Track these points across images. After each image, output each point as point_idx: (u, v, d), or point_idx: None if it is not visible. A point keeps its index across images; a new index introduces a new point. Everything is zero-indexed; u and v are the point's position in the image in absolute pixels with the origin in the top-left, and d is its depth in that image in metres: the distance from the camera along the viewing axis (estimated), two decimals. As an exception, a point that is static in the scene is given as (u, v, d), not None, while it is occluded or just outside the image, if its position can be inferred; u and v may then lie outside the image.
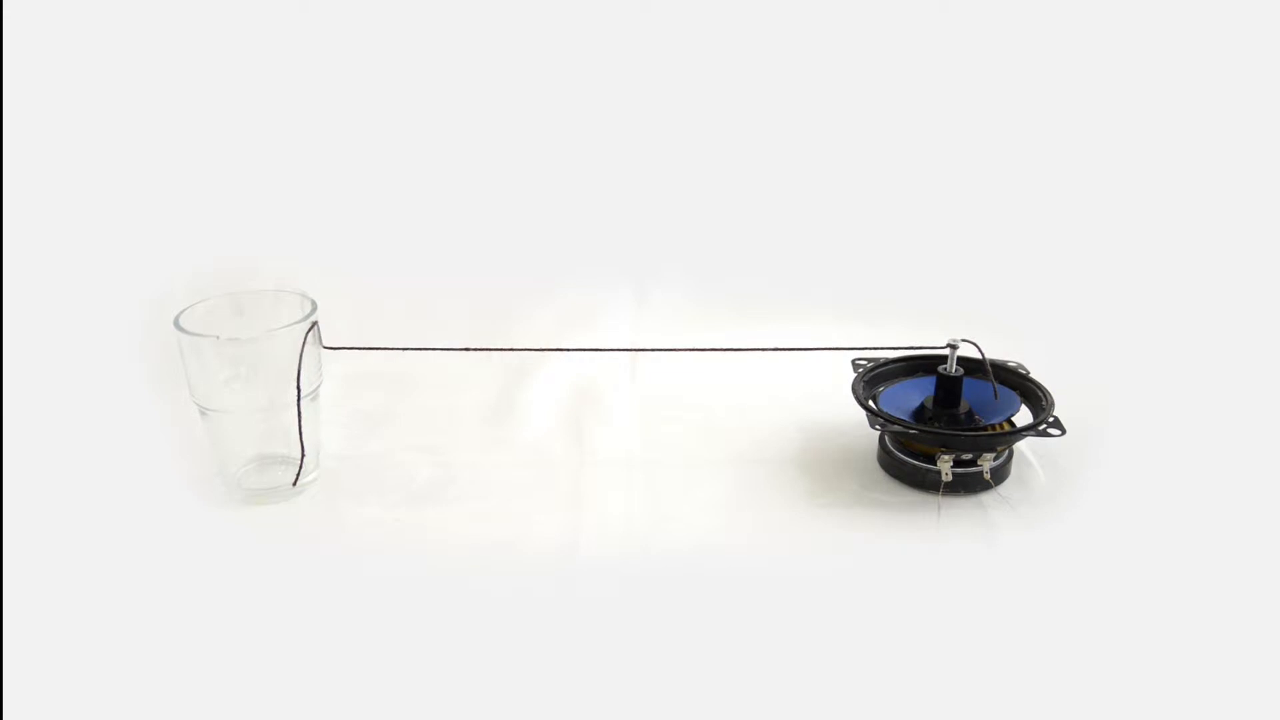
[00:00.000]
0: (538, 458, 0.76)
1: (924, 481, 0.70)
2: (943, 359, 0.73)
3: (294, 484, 0.71)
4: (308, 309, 0.69)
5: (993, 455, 0.69)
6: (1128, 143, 0.96)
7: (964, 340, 0.72)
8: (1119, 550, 0.64)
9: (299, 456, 0.70)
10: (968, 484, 0.69)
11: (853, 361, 0.77)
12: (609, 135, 0.98)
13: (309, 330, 0.68)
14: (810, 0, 0.94)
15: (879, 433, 0.73)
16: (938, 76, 0.96)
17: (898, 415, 0.71)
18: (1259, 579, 0.62)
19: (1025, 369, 0.75)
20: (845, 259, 0.98)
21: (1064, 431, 0.68)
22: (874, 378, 0.76)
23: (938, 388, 0.72)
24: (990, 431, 0.70)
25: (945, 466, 0.68)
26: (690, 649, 0.57)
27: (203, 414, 0.68)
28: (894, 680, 0.55)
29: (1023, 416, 0.72)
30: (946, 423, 0.71)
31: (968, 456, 0.69)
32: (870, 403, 0.72)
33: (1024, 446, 0.75)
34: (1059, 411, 0.70)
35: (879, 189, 0.98)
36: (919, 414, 0.72)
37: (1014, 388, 0.74)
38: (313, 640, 0.58)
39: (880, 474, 0.73)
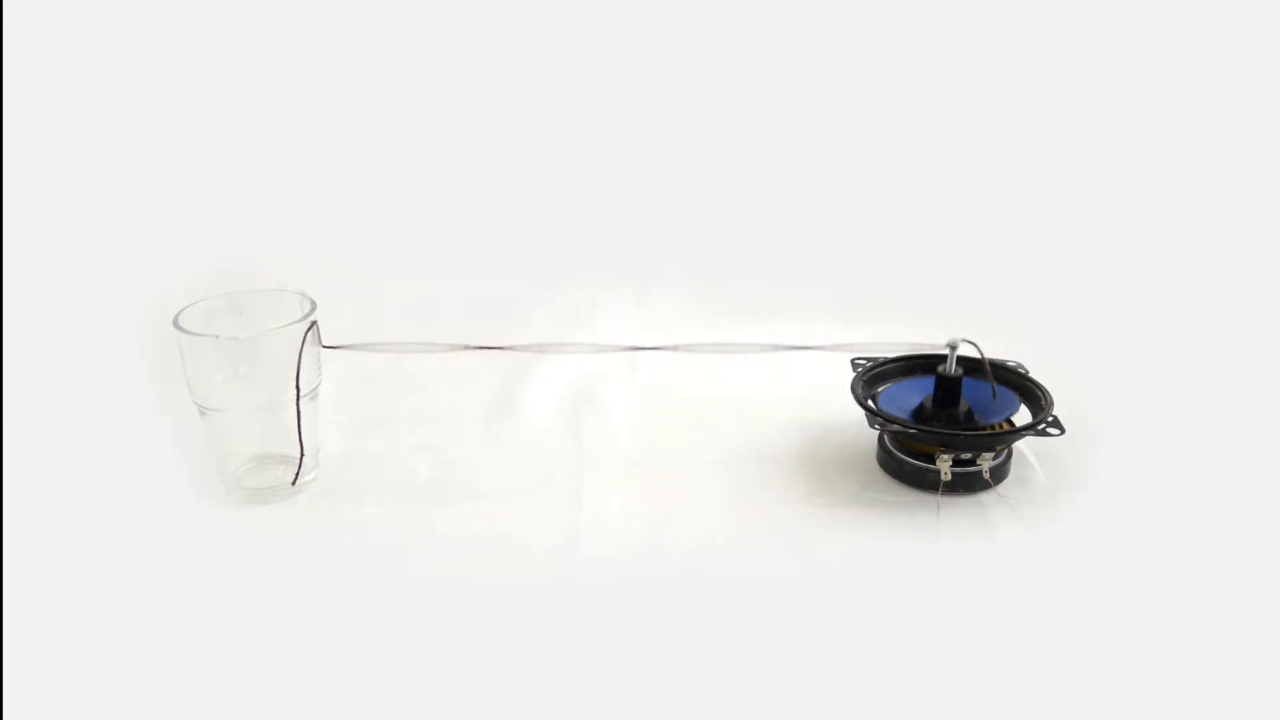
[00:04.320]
0: (537, 457, 0.76)
1: (924, 481, 0.70)
2: (942, 359, 0.73)
3: (293, 483, 0.71)
4: (307, 308, 0.69)
5: (992, 455, 0.69)
6: (1127, 143, 0.96)
7: (964, 340, 0.72)
8: (1119, 550, 0.64)
9: (298, 456, 0.70)
10: (967, 484, 0.69)
11: (852, 361, 0.77)
12: (609, 135, 0.98)
13: (308, 330, 0.68)
14: (810, 0, 0.94)
15: (878, 432, 0.73)
16: (938, 77, 0.96)
17: (897, 415, 0.71)
18: (1259, 578, 0.61)
19: (1025, 369, 0.75)
20: (845, 259, 0.98)
21: (1063, 431, 0.68)
22: (873, 377, 0.76)
23: (937, 388, 0.72)
24: (990, 431, 0.70)
25: (944, 466, 0.68)
26: (690, 648, 0.57)
27: (202, 413, 0.68)
28: (894, 680, 0.55)
29: (1022, 416, 0.72)
30: (946, 422, 0.71)
31: (967, 456, 0.69)
32: (870, 402, 0.72)
33: (1023, 446, 0.75)
34: (1058, 411, 0.70)
35: (879, 189, 0.99)
36: (918, 414, 0.72)
37: (1014, 387, 0.74)
38: (313, 640, 0.58)
39: (880, 474, 0.73)
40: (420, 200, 0.98)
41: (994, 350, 0.73)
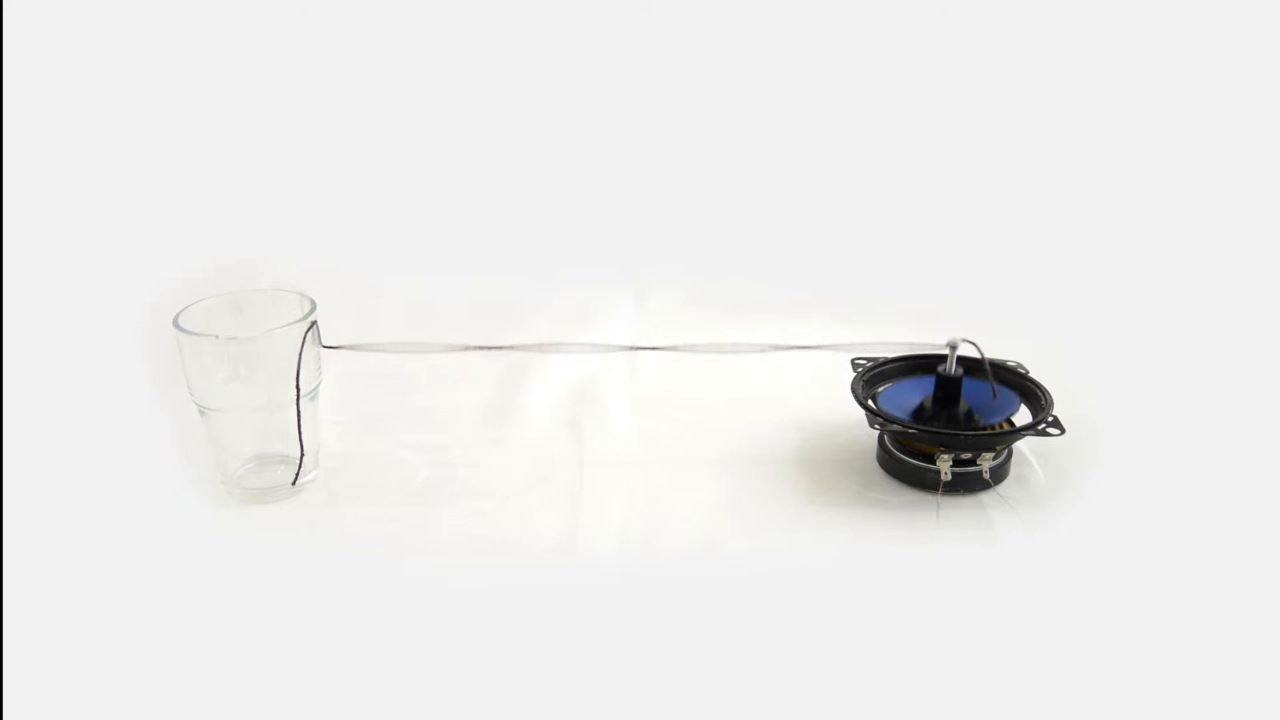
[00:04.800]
0: (537, 457, 0.76)
1: (924, 481, 0.70)
2: (942, 359, 0.73)
3: (293, 483, 0.71)
4: (307, 308, 0.69)
5: (992, 455, 0.69)
6: (1127, 142, 0.96)
7: (964, 340, 0.72)
8: (1119, 550, 0.64)
9: (298, 456, 0.70)
10: (967, 484, 0.69)
11: (852, 361, 0.77)
12: (608, 135, 0.98)
13: (308, 330, 0.68)
14: (809, 0, 0.95)
15: (879, 432, 0.73)
16: (937, 77, 0.96)
17: (897, 415, 0.71)
18: (1259, 578, 0.61)
19: (1025, 369, 0.75)
20: (844, 259, 0.98)
21: (1063, 431, 0.68)
22: (873, 377, 0.76)
23: (937, 388, 0.72)
24: (990, 431, 0.70)
25: (944, 466, 0.68)
26: (690, 649, 0.57)
27: (202, 413, 0.68)
28: (893, 680, 0.55)
29: (1022, 416, 0.72)
30: (946, 422, 0.71)
31: (967, 456, 0.69)
32: (870, 402, 0.72)
33: (1023, 446, 0.75)
34: (1059, 411, 0.70)
35: (878, 189, 0.99)
36: (918, 414, 0.72)
37: (1014, 388, 0.74)
38: (312, 640, 0.58)
39: (880, 474, 0.73)
40: (420, 201, 0.98)
41: (994, 350, 0.73)
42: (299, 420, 0.69)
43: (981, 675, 0.55)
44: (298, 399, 0.68)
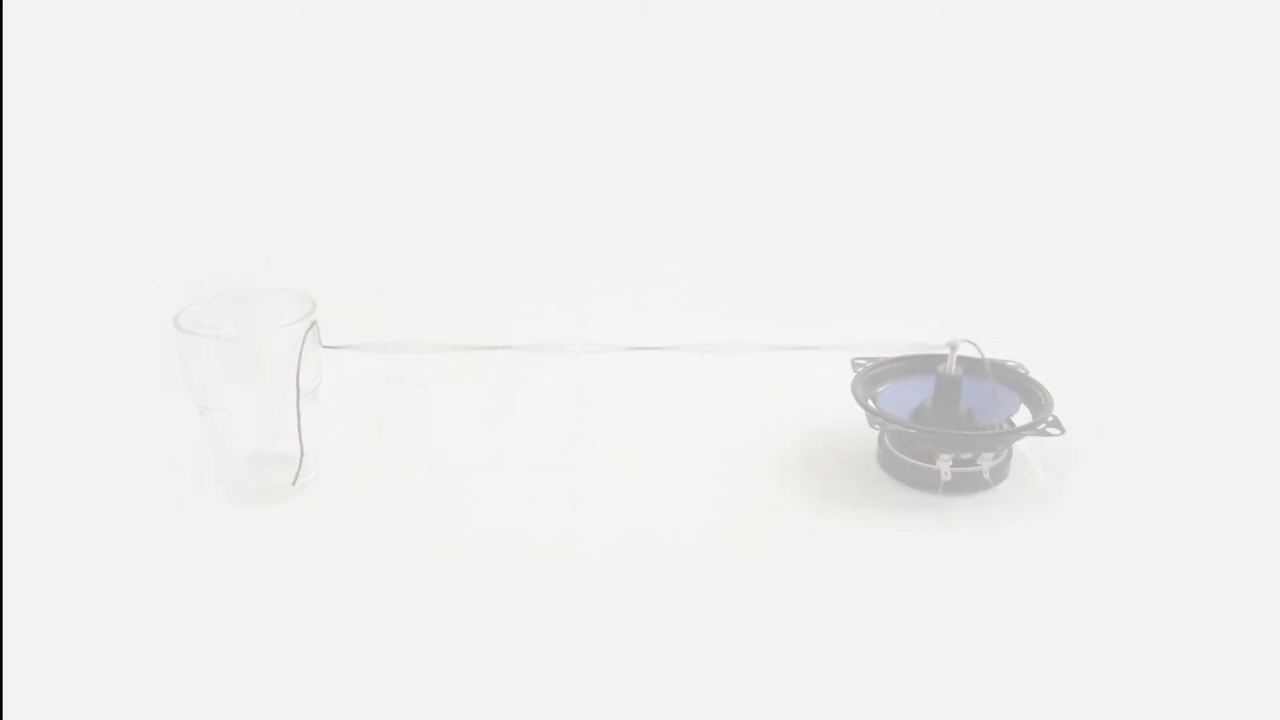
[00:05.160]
0: (537, 458, 0.76)
1: (924, 481, 0.70)
2: (942, 359, 0.73)
3: (293, 483, 0.71)
4: (307, 308, 0.69)
5: (992, 455, 0.69)
6: (1126, 143, 0.96)
7: (964, 340, 0.72)
8: (1117, 549, 0.64)
9: (298, 455, 0.70)
10: (967, 484, 0.69)
11: (852, 361, 0.77)
12: (609, 136, 0.98)
13: (309, 329, 0.68)
14: (809, 1, 0.95)
15: (879, 432, 0.73)
16: (938, 77, 0.96)
17: (897, 415, 0.71)
18: (1257, 576, 0.62)
19: (1025, 369, 0.75)
20: (844, 259, 0.98)
21: (1063, 431, 0.68)
22: (873, 377, 0.76)
23: (937, 388, 0.72)
24: (990, 431, 0.70)
25: (944, 466, 0.68)
26: (690, 649, 0.57)
27: (202, 413, 0.68)
28: (893, 679, 0.55)
29: (1022, 416, 0.72)
30: (946, 423, 0.71)
31: (967, 456, 0.68)
32: (870, 402, 0.72)
33: (1023, 446, 0.75)
34: (1058, 411, 0.70)
35: (879, 189, 0.99)
36: (919, 414, 0.72)
37: (1014, 387, 0.74)
38: (312, 640, 0.58)
39: (880, 474, 0.73)
40: (421, 201, 0.98)
41: (994, 350, 0.73)
42: (299, 420, 0.69)
43: (981, 675, 0.55)
44: (298, 399, 0.68)
